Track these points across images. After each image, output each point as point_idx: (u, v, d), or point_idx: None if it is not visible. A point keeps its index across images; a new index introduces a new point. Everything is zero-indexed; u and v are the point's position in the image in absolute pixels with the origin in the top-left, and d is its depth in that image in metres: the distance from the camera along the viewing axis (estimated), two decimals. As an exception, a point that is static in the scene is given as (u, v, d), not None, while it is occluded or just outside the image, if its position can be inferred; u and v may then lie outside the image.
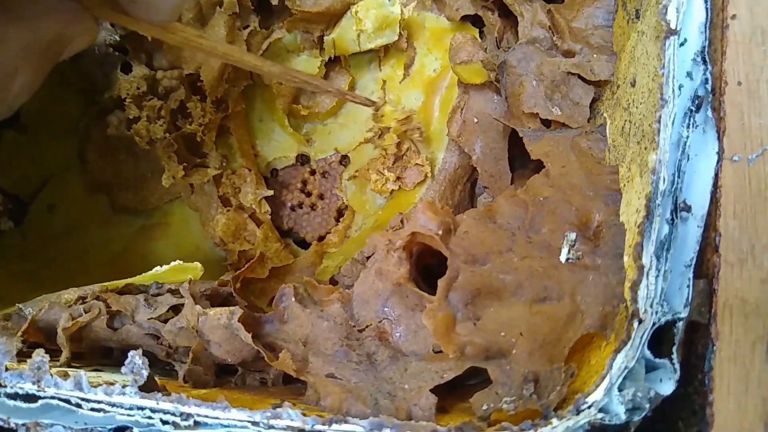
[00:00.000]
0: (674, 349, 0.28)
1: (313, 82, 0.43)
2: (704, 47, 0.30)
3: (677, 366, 0.28)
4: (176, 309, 0.35)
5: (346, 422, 0.26)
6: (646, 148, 0.29)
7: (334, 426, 0.26)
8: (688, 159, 0.29)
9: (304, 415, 0.26)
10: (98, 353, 0.37)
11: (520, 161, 0.42)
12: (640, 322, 0.27)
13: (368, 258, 0.36)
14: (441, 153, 0.47)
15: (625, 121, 0.32)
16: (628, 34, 0.34)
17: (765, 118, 0.29)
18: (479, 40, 0.44)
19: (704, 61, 0.30)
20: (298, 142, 0.51)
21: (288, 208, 0.50)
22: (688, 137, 0.29)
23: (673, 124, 0.29)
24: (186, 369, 0.33)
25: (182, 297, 0.35)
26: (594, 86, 0.37)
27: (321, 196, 0.50)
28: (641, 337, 0.27)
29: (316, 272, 0.48)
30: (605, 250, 0.30)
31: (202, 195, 0.48)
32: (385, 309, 0.33)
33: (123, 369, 0.28)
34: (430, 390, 0.29)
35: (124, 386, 0.27)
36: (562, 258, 0.31)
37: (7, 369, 0.28)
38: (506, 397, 0.28)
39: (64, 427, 0.29)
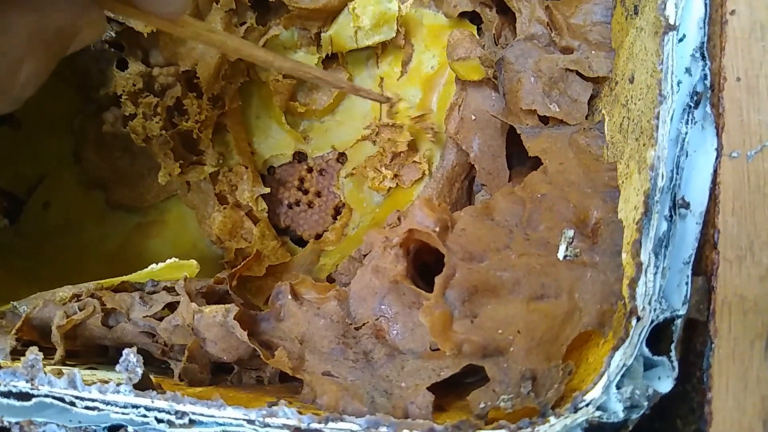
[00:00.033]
0: (673, 346, 0.28)
1: (325, 78, 0.43)
2: (703, 43, 0.30)
3: (676, 364, 0.28)
4: (172, 307, 0.35)
5: (342, 420, 0.26)
6: (644, 145, 0.29)
7: (331, 424, 0.26)
8: (687, 155, 0.29)
9: (300, 413, 0.26)
10: (93, 351, 0.36)
11: (518, 158, 0.42)
12: (639, 319, 0.27)
13: (365, 256, 0.36)
14: (438, 150, 0.47)
15: (624, 117, 0.32)
16: (626, 30, 0.34)
17: (764, 114, 0.29)
18: (477, 36, 0.44)
19: (703, 57, 0.30)
20: (295, 140, 0.50)
21: (285, 205, 0.50)
22: (686, 133, 0.29)
23: (671, 120, 0.29)
24: (181, 367, 0.33)
25: (178, 295, 0.35)
26: (592, 83, 0.36)
27: (318, 194, 0.50)
28: (639, 335, 0.27)
29: (314, 270, 0.47)
30: (603, 248, 0.30)
31: (199, 192, 0.48)
32: (382, 307, 0.33)
33: (117, 367, 0.28)
34: (427, 388, 0.29)
35: (118, 384, 0.27)
36: (560, 255, 0.30)
37: (0, 367, 0.28)
38: (504, 395, 0.27)
39: (58, 425, 0.29)
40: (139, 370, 0.27)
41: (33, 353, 0.28)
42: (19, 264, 0.46)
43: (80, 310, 0.35)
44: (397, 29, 0.47)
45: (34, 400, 0.28)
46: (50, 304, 0.35)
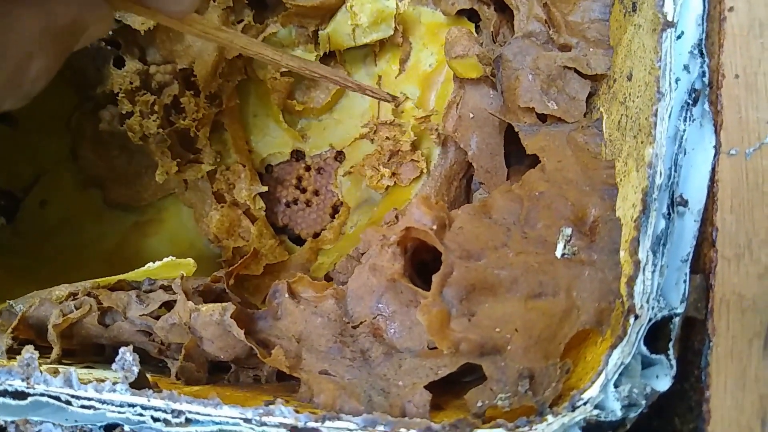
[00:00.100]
0: (671, 345, 0.28)
1: (332, 77, 0.42)
2: (701, 40, 0.30)
3: (673, 362, 0.28)
4: (169, 305, 0.35)
5: (339, 419, 0.26)
6: (642, 142, 0.29)
7: (327, 423, 0.26)
8: (685, 153, 0.29)
9: (297, 411, 0.26)
10: (90, 350, 0.36)
11: (516, 156, 0.42)
12: (636, 317, 0.26)
13: (363, 254, 0.36)
14: (437, 149, 0.47)
15: (622, 115, 0.32)
16: (624, 28, 0.34)
17: (762, 111, 0.29)
18: (475, 34, 0.43)
19: (701, 54, 0.30)
20: (292, 138, 0.50)
21: (283, 204, 0.50)
22: (684, 131, 0.29)
23: (669, 117, 0.29)
24: (178, 366, 0.33)
25: (175, 293, 0.34)
26: (590, 80, 0.36)
27: (316, 193, 0.50)
28: (637, 333, 0.27)
29: (311, 269, 0.47)
30: (601, 246, 0.30)
31: (196, 191, 0.48)
32: (380, 305, 0.33)
33: (114, 366, 0.28)
34: (425, 386, 0.29)
35: (114, 383, 0.27)
36: (558, 253, 0.30)
37: (-4, 366, 0.28)
38: (501, 393, 0.27)
39: (54, 424, 0.29)
40: (136, 369, 0.27)
41: (29, 352, 0.28)
42: (16, 262, 0.45)
43: (76, 308, 0.34)
44: (395, 27, 0.47)
45: (29, 399, 0.28)
46: (46, 302, 0.35)
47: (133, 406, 0.27)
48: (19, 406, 0.28)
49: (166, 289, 0.36)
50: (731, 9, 0.30)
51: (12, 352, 0.33)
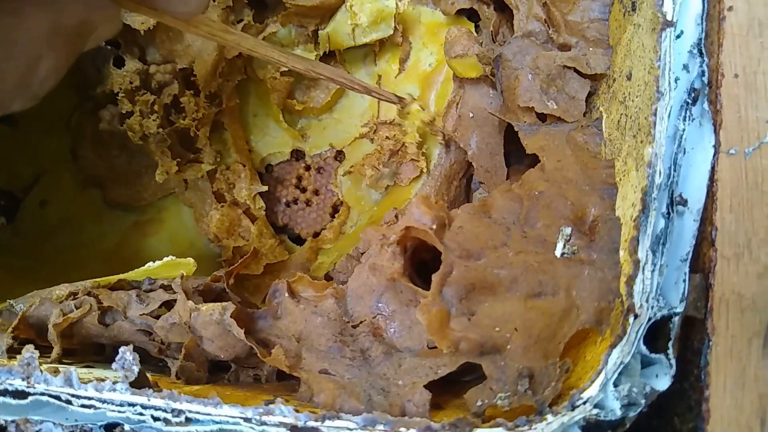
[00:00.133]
0: (670, 344, 0.28)
1: (338, 78, 0.42)
2: (701, 39, 0.30)
3: (673, 361, 0.28)
4: (169, 305, 0.35)
5: (339, 418, 0.26)
6: (642, 142, 0.29)
7: (327, 422, 0.26)
8: (685, 152, 0.29)
9: (297, 411, 0.26)
10: (90, 349, 0.36)
11: (516, 156, 0.42)
12: (636, 317, 0.26)
13: (363, 254, 0.36)
14: (436, 148, 0.47)
15: (621, 114, 0.32)
16: (624, 27, 0.34)
17: (762, 111, 0.29)
18: (474, 34, 0.43)
19: (701, 54, 0.30)
20: (292, 138, 0.50)
21: (283, 203, 0.50)
22: (684, 130, 0.29)
23: (669, 117, 0.29)
24: (178, 365, 0.33)
25: (175, 293, 0.34)
26: (590, 80, 0.36)
27: (316, 192, 0.50)
28: (637, 333, 0.27)
29: (311, 268, 0.47)
30: (601, 245, 0.30)
31: (196, 191, 0.48)
32: (379, 304, 0.33)
33: (113, 365, 0.28)
34: (424, 386, 0.29)
35: (114, 382, 0.27)
36: (557, 253, 0.30)
37: (-4, 365, 0.28)
38: (501, 393, 0.27)
39: (54, 423, 0.29)
40: (136, 368, 0.27)
41: (29, 351, 0.28)
42: (16, 262, 0.45)
43: (77, 308, 0.34)
44: (395, 26, 0.47)
45: (30, 398, 0.28)
46: (47, 302, 0.35)
47: (133, 405, 0.27)
48: (19, 406, 0.28)
49: (166, 288, 0.36)
50: (730, 8, 0.30)
51: (12, 352, 0.33)
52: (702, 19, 0.30)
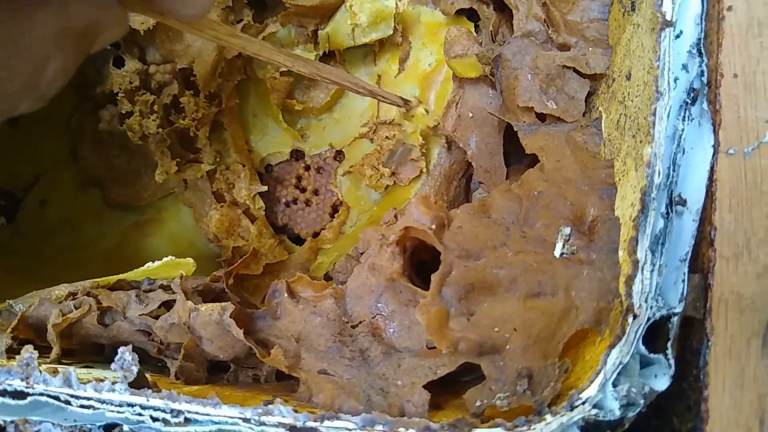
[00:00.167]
0: (669, 344, 0.28)
1: (344, 82, 0.42)
2: (700, 39, 0.30)
3: (672, 361, 0.28)
4: (168, 305, 0.35)
5: (338, 419, 0.26)
6: (641, 142, 0.29)
7: (326, 422, 0.26)
8: (684, 152, 0.29)
9: (296, 411, 0.26)
10: (89, 350, 0.36)
11: (516, 156, 0.42)
12: (635, 317, 0.26)
13: (362, 254, 0.36)
14: (436, 148, 0.47)
15: (621, 114, 0.32)
16: (623, 27, 0.34)
17: (761, 110, 0.29)
18: (474, 33, 0.43)
19: (700, 53, 0.30)
20: (292, 138, 0.50)
21: (282, 203, 0.50)
22: (683, 130, 0.29)
23: (668, 117, 0.29)
24: (177, 365, 0.33)
25: (174, 293, 0.34)
26: (589, 80, 0.36)
27: (316, 192, 0.50)
28: (636, 333, 0.27)
29: (311, 268, 0.47)
30: (600, 245, 0.30)
31: (196, 191, 0.48)
32: (379, 305, 0.33)
33: (113, 365, 0.28)
34: (424, 386, 0.29)
35: (113, 383, 0.27)
36: (557, 253, 0.30)
37: (-5, 365, 0.28)
38: (500, 393, 0.27)
39: (53, 424, 0.29)
40: (135, 369, 0.27)
41: (28, 352, 0.28)
42: (16, 262, 0.46)
43: (76, 308, 0.34)
44: (395, 26, 0.47)
45: (29, 398, 0.28)
46: (46, 302, 0.35)
47: (132, 405, 0.27)
48: (18, 406, 0.28)
49: (166, 288, 0.36)
50: (730, 8, 0.30)
51: (11, 352, 0.33)
52: (701, 18, 0.30)
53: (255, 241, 0.46)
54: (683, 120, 0.29)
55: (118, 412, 0.27)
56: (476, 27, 0.46)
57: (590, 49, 0.37)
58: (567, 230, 0.31)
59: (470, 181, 0.46)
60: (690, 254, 0.29)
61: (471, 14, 0.47)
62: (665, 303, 0.28)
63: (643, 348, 0.27)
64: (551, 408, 0.26)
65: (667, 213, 0.28)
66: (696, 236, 0.29)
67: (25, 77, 0.26)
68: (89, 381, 0.27)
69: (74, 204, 0.48)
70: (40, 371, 0.27)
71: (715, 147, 0.29)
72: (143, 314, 0.35)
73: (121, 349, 0.28)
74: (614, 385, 0.26)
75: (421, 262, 0.35)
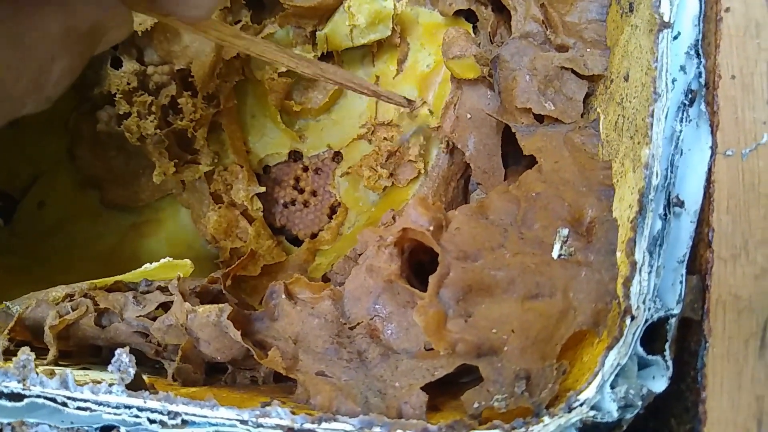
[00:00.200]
0: (667, 345, 0.28)
1: (347, 83, 0.42)
2: (698, 40, 0.30)
3: (670, 363, 0.28)
4: (165, 306, 0.35)
5: (335, 420, 0.26)
6: (639, 143, 0.29)
7: (324, 424, 0.26)
8: (681, 154, 0.29)
9: (294, 413, 0.26)
10: (86, 351, 0.36)
11: (514, 157, 0.42)
12: (633, 318, 0.26)
13: (360, 255, 0.36)
14: (434, 149, 0.47)
15: (619, 115, 0.32)
16: (621, 28, 0.34)
17: (759, 112, 0.29)
18: (472, 35, 0.43)
19: (698, 55, 0.30)
20: (290, 139, 0.50)
21: (280, 205, 0.50)
22: (681, 131, 0.29)
23: (666, 118, 0.29)
24: (175, 367, 0.33)
25: (171, 294, 0.34)
26: (587, 81, 0.36)
27: (314, 193, 0.50)
28: (634, 334, 0.27)
29: (309, 270, 0.47)
30: (598, 246, 0.30)
31: (194, 192, 0.48)
32: (376, 306, 0.33)
33: (110, 367, 0.27)
34: (421, 388, 0.29)
35: (111, 385, 0.27)
36: (555, 254, 0.30)
37: (-8, 367, 0.28)
38: (498, 395, 0.27)
39: (50, 426, 0.29)
40: (132, 371, 0.27)
41: (25, 353, 0.28)
42: (14, 262, 0.45)
43: (73, 310, 0.34)
44: (393, 27, 0.47)
45: (26, 400, 0.27)
46: (43, 303, 0.35)
47: (129, 407, 0.27)
48: (15, 408, 0.28)
49: (163, 290, 0.36)
50: (727, 10, 0.30)
51: (8, 354, 0.33)
52: (699, 20, 0.30)
53: (253, 242, 0.46)
54: (681, 121, 0.29)
55: (115, 414, 0.27)
56: (474, 28, 0.46)
57: (588, 50, 0.37)
58: (565, 231, 0.31)
59: (468, 182, 0.46)
60: (688, 256, 0.29)
61: (469, 15, 0.47)
62: (663, 304, 0.28)
63: (640, 349, 0.27)
64: (549, 410, 0.26)
65: (665, 214, 0.28)
66: (694, 238, 0.29)
67: (31, 78, 0.26)
68: (86, 383, 0.27)
69: (72, 205, 0.48)
70: (37, 373, 0.27)
71: (713, 148, 0.29)
72: (140, 316, 0.35)
73: (118, 351, 0.28)
74: (612, 387, 0.26)
75: (419, 263, 0.35)
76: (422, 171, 0.46)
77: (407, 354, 0.31)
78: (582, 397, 0.26)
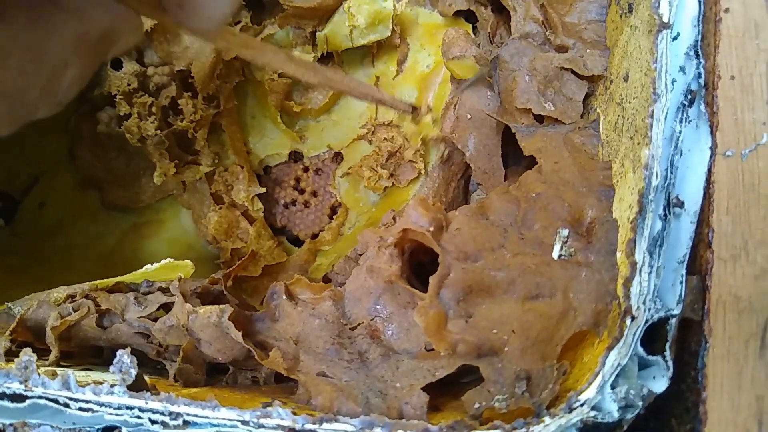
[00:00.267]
0: (667, 346, 0.28)
1: (353, 91, 0.42)
2: (697, 41, 0.30)
3: (670, 363, 0.28)
4: (167, 307, 0.35)
5: (336, 421, 0.26)
6: (638, 144, 0.29)
7: (325, 425, 0.26)
8: (681, 154, 0.29)
9: (295, 414, 0.26)
10: (88, 352, 0.36)
11: (514, 158, 0.42)
12: (633, 319, 0.26)
13: (361, 255, 0.36)
14: (434, 150, 0.47)
15: (618, 116, 0.32)
16: (621, 29, 0.34)
17: (758, 112, 0.29)
18: (472, 35, 0.44)
19: (697, 55, 0.30)
20: (291, 139, 0.50)
21: (281, 205, 0.50)
22: (680, 132, 0.29)
23: (665, 118, 0.29)
24: (176, 368, 0.33)
25: (173, 295, 0.34)
26: (587, 81, 0.36)
27: (314, 194, 0.50)
28: (634, 335, 0.27)
29: (310, 270, 0.47)
30: (598, 247, 0.30)
31: (195, 192, 0.48)
32: (377, 307, 0.33)
33: (111, 368, 0.28)
34: (422, 388, 0.29)
35: (112, 385, 0.27)
36: (555, 255, 0.30)
37: (-6, 368, 0.28)
38: (498, 395, 0.27)
39: (52, 427, 0.29)
40: (133, 371, 0.27)
41: (27, 354, 0.28)
42: (15, 263, 0.45)
43: (75, 311, 0.34)
44: (393, 28, 0.47)
45: (27, 401, 0.28)
46: (44, 305, 0.35)
47: (131, 408, 0.27)
48: (17, 409, 0.28)
49: (164, 291, 0.36)
50: (727, 10, 0.30)
51: (10, 355, 0.33)
52: (698, 21, 0.30)
53: (254, 243, 0.46)
54: (681, 122, 0.29)
55: (117, 414, 0.27)
56: (474, 29, 0.46)
57: (588, 50, 0.37)
58: (565, 232, 0.31)
59: (469, 182, 0.46)
60: (688, 256, 0.29)
61: (469, 16, 0.47)
62: (663, 305, 0.28)
63: (641, 350, 0.27)
64: (549, 410, 0.26)
65: (665, 215, 0.28)
66: (694, 238, 0.29)
67: (43, 84, 0.26)
68: (88, 384, 0.27)
69: (73, 206, 0.48)
70: (39, 374, 0.27)
71: (713, 149, 0.29)
72: (142, 317, 0.35)
73: (119, 352, 0.28)
74: (612, 387, 0.26)
75: (419, 264, 0.35)
76: (422, 171, 0.46)
77: (408, 354, 0.31)
78: (582, 397, 0.26)
